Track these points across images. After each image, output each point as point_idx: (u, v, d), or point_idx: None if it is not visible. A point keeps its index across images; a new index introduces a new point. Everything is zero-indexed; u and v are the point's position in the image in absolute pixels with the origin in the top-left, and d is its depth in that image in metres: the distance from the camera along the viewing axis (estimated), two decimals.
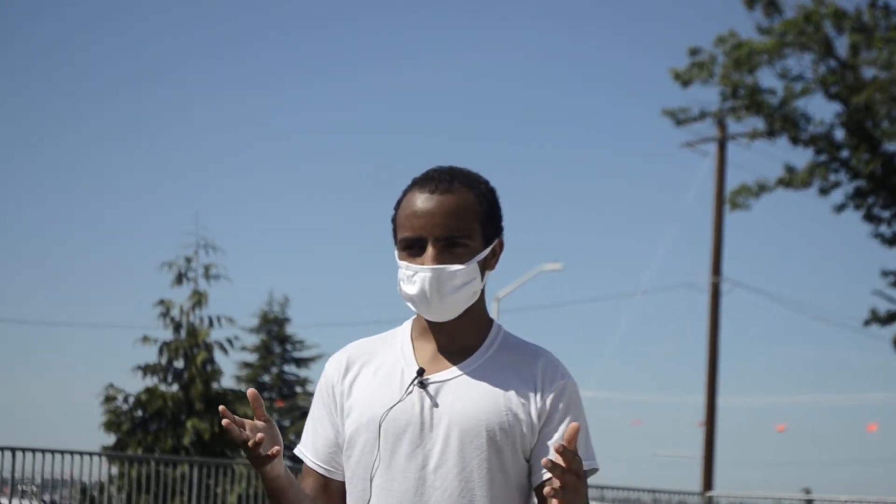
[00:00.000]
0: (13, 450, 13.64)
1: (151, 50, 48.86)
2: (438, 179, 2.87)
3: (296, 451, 3.05)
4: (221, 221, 47.73)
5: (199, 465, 15.97)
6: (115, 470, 17.22)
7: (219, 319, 21.35)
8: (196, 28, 50.20)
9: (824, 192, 25.47)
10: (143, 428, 20.45)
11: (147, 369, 20.94)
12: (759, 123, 25.74)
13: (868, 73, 24.73)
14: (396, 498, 2.83)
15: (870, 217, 25.53)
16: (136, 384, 42.93)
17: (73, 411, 46.66)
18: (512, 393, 2.85)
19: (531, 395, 2.85)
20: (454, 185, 2.87)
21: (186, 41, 50.16)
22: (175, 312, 21.13)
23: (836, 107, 25.25)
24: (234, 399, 21.25)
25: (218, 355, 21.26)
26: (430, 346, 2.92)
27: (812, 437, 51.42)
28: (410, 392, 2.86)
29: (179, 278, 21.31)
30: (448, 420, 2.83)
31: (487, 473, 2.81)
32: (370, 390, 2.91)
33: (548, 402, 2.86)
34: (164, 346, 21.00)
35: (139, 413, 20.57)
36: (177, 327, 21.11)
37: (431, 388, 2.86)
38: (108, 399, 20.52)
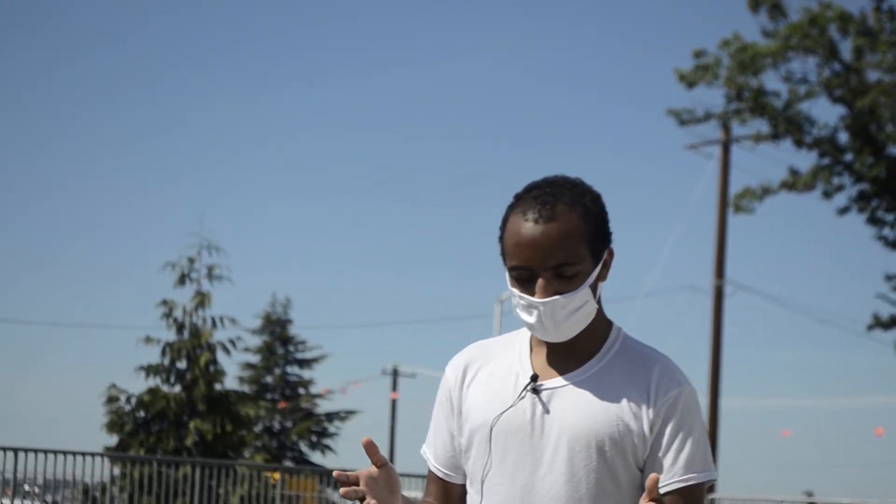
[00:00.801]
0: (15, 450, 13.63)
1: (155, 52, 48.90)
2: (542, 204, 2.82)
3: (420, 452, 3.06)
4: (224, 223, 47.79)
5: (201, 466, 15.95)
6: (117, 471, 17.23)
7: (221, 320, 21.35)
8: (199, 30, 50.22)
9: (828, 195, 25.44)
10: (145, 429, 20.44)
11: (150, 370, 20.92)
12: (763, 126, 25.73)
13: (872, 76, 24.71)
14: (503, 502, 2.83)
15: (873, 220, 25.50)
16: (138, 385, 42.95)
17: (76, 412, 46.71)
18: (624, 402, 2.83)
19: (644, 404, 2.83)
20: (557, 209, 2.81)
21: (189, 43, 50.19)
22: (178, 313, 21.13)
23: (840, 110, 25.24)
24: (236, 400, 21.25)
25: (221, 356, 21.25)
26: (546, 351, 2.92)
27: (815, 440, 51.42)
28: (523, 397, 2.86)
29: (182, 279, 21.29)
30: (559, 427, 2.82)
31: (596, 482, 2.80)
32: (485, 394, 2.92)
33: (662, 412, 2.83)
34: (167, 347, 20.99)
35: (142, 414, 20.56)
36: (180, 328, 21.10)
37: (544, 395, 2.86)
38: (111, 400, 20.51)
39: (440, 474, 3.01)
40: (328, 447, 37.16)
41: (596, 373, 2.87)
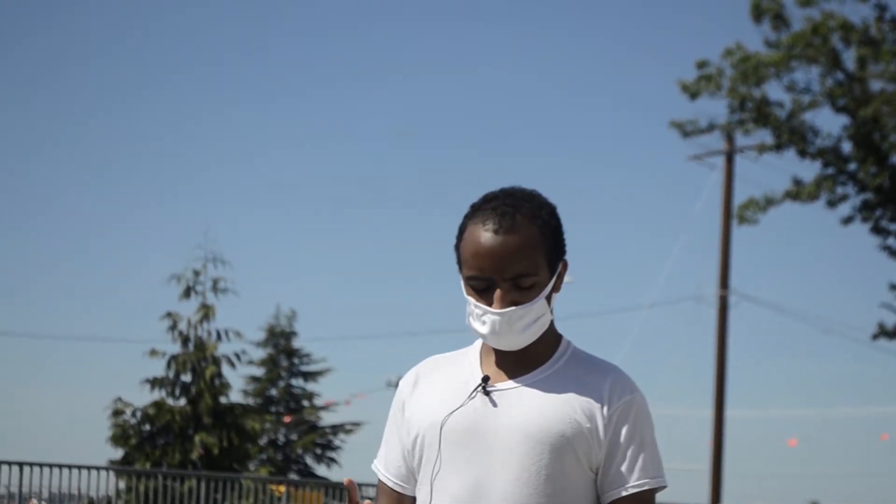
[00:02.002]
0: (21, 464, 13.64)
1: (160, 61, 48.97)
2: (501, 215, 2.85)
3: (372, 467, 3.07)
4: (229, 235, 47.79)
5: (206, 480, 15.97)
6: (122, 484, 17.23)
7: (226, 333, 21.34)
8: (203, 39, 50.30)
9: (832, 204, 25.43)
10: (150, 442, 20.44)
11: (155, 383, 20.92)
12: (766, 136, 25.72)
13: (876, 85, 24.70)
14: (455, 501, 2.84)
15: (877, 230, 25.48)
16: (143, 398, 42.92)
17: (81, 425, 46.68)
18: (577, 403, 2.85)
19: (597, 407, 2.86)
20: (517, 221, 2.84)
21: (194, 53, 50.26)
22: (183, 326, 21.12)
23: (843, 120, 25.22)
24: (241, 413, 21.23)
25: (226, 369, 21.24)
26: (497, 359, 2.94)
27: (821, 449, 51.33)
28: (473, 397, 2.89)
29: (187, 292, 21.29)
30: (510, 426, 2.84)
31: (547, 480, 2.82)
32: (435, 398, 2.94)
33: (615, 416, 2.86)
34: (172, 360, 20.98)
35: (147, 427, 20.56)
36: (185, 341, 21.10)
37: (495, 396, 2.88)
38: (116, 413, 20.50)
39: (392, 485, 3.01)
40: (333, 460, 37.16)
41: (548, 376, 2.90)
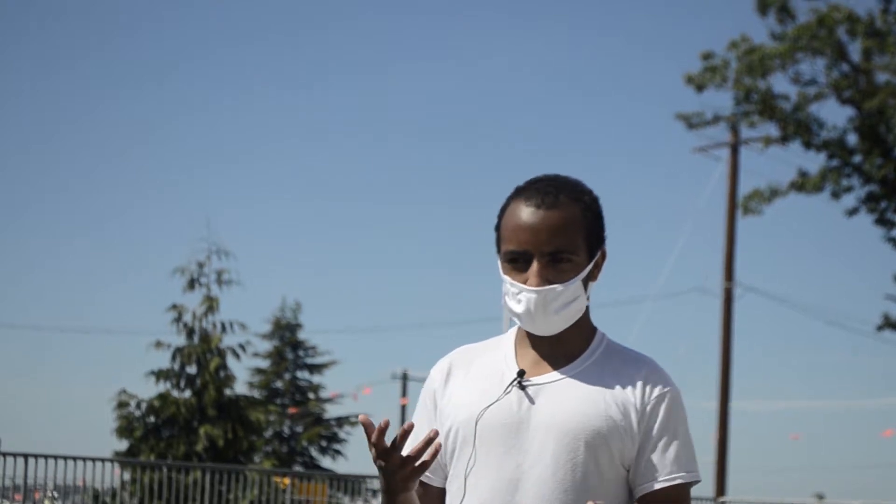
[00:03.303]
0: (26, 456, 13.64)
1: (162, 52, 48.96)
2: (545, 192, 2.85)
3: None
4: (233, 227, 47.83)
5: (211, 472, 15.96)
6: (127, 476, 17.24)
7: (231, 325, 21.34)
8: (207, 31, 50.27)
9: (837, 196, 25.42)
10: (155, 434, 20.44)
11: (160, 375, 20.92)
12: (772, 128, 25.71)
13: (881, 77, 24.69)
14: (489, 496, 2.82)
15: (882, 221, 25.48)
16: (148, 390, 42.86)
17: (86, 417, 46.74)
18: (612, 399, 2.83)
19: (632, 402, 2.84)
20: (560, 199, 2.84)
21: (197, 44, 50.23)
22: (187, 318, 21.12)
23: (848, 111, 25.23)
24: (246, 405, 21.22)
25: (230, 361, 21.23)
26: (532, 352, 2.92)
27: (825, 442, 51.33)
28: (509, 392, 2.86)
29: (192, 283, 21.28)
30: (545, 421, 2.82)
31: (582, 477, 2.80)
32: (470, 392, 2.91)
33: (648, 410, 2.84)
34: (177, 352, 20.98)
35: (152, 419, 20.56)
36: (189, 333, 21.09)
37: (531, 390, 2.86)
38: (121, 405, 20.50)
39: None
40: (338, 452, 37.14)
41: (583, 370, 2.88)
